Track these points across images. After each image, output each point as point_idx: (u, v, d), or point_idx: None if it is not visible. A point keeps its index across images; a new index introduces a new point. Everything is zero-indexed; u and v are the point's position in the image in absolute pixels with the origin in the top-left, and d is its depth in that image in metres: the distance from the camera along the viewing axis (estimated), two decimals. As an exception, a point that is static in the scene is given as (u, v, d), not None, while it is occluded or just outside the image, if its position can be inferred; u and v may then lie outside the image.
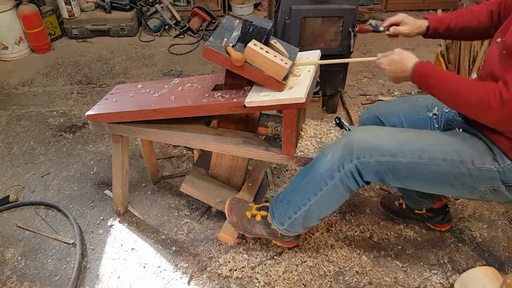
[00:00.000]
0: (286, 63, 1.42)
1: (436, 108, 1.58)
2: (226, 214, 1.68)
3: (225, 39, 1.48)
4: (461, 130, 1.43)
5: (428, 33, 1.56)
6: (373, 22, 1.55)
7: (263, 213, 1.66)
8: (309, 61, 1.58)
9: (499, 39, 1.31)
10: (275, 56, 1.42)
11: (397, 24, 1.55)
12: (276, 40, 1.53)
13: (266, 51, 1.42)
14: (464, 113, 1.33)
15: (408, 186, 1.43)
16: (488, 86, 1.20)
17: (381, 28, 1.55)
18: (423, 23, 1.54)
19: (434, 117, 1.58)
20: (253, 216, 1.67)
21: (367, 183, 1.44)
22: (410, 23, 1.53)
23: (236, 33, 1.52)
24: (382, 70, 1.39)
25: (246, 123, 1.66)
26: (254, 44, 1.42)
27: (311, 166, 1.50)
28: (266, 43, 1.48)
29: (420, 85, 1.35)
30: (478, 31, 1.52)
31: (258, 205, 1.71)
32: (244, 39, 1.47)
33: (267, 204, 1.69)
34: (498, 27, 1.38)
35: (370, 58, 1.44)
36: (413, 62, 1.32)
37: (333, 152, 1.42)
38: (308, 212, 1.52)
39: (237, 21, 1.60)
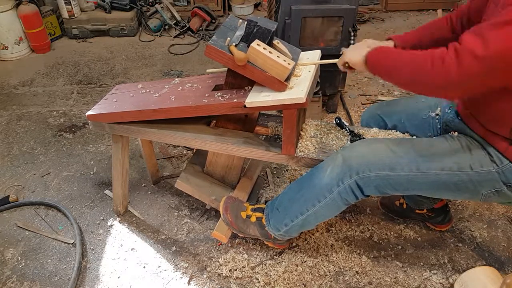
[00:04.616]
0: (289, 63, 1.42)
1: (439, 108, 1.58)
2: (221, 213, 1.69)
3: (228, 38, 1.48)
4: (456, 133, 1.43)
5: None
6: None
7: (258, 214, 1.67)
8: (308, 61, 1.58)
9: None
10: (278, 56, 1.42)
11: None
12: (278, 41, 1.53)
13: (269, 52, 1.41)
14: (422, 88, 1.21)
15: (410, 194, 1.44)
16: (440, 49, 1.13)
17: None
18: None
19: (437, 117, 1.57)
20: (248, 217, 1.67)
21: (367, 196, 1.45)
22: None
23: (239, 33, 1.51)
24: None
25: (244, 123, 1.66)
26: (258, 44, 1.41)
27: (308, 177, 1.51)
28: (270, 44, 1.48)
29: (375, 62, 1.30)
30: (441, 41, 1.48)
31: (253, 206, 1.71)
32: (247, 39, 1.47)
33: (263, 206, 1.70)
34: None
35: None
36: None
37: (332, 167, 1.43)
38: (305, 220, 1.53)
39: (240, 20, 1.60)
